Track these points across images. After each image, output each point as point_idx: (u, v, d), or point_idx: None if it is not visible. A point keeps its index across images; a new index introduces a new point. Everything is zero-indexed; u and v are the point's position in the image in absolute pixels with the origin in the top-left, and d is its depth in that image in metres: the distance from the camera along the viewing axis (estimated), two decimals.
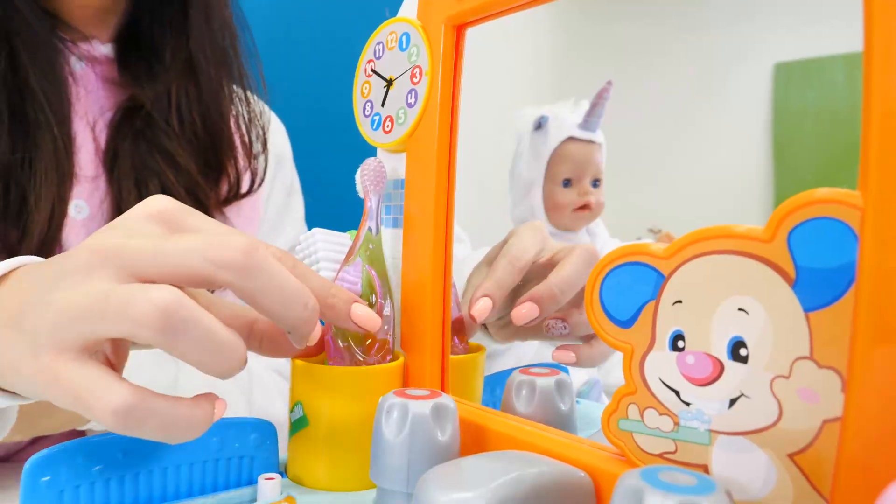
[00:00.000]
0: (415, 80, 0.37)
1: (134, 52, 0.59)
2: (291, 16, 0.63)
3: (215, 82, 0.60)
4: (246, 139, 0.63)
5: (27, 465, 0.27)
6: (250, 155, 0.63)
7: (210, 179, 0.59)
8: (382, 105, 0.40)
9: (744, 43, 2.05)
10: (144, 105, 0.56)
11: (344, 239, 0.41)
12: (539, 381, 0.37)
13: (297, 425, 0.35)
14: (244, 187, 0.62)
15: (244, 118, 0.63)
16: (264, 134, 0.64)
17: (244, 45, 0.63)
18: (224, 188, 0.60)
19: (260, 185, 0.63)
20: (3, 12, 0.50)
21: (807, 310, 0.21)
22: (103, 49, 0.57)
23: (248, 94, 0.64)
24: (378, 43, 0.40)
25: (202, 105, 0.59)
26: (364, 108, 0.41)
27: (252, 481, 0.34)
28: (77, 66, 0.56)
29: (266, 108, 0.67)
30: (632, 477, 0.21)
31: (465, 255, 0.79)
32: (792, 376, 0.22)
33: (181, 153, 0.56)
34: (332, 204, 0.74)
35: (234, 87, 0.63)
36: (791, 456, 0.22)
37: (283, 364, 0.65)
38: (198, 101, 0.58)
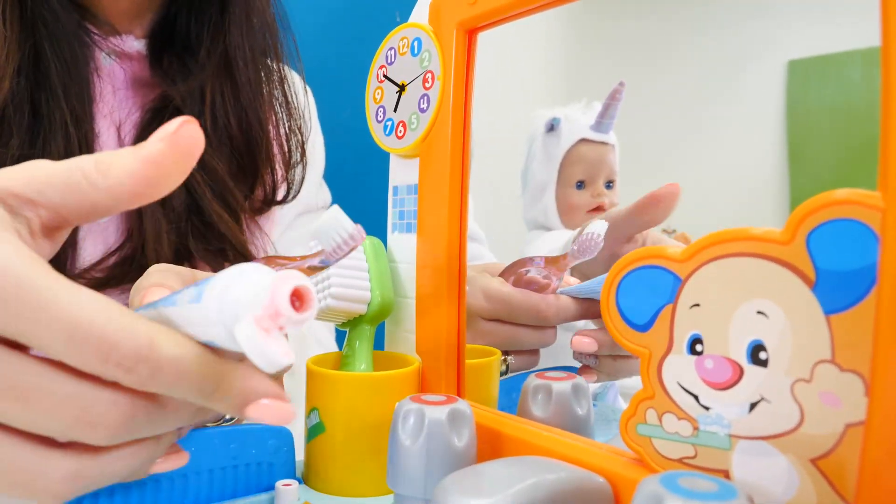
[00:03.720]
0: (427, 85, 0.37)
1: (168, 49, 0.57)
2: (302, 22, 0.63)
3: (254, 85, 0.57)
4: (285, 148, 0.60)
5: None
6: (288, 164, 0.60)
7: (243, 185, 0.56)
8: (395, 110, 0.40)
9: (756, 40, 2.04)
10: (175, 101, 0.54)
11: None
12: (555, 385, 0.37)
13: (314, 431, 0.35)
14: (279, 196, 0.59)
15: (284, 125, 0.60)
16: (303, 143, 0.61)
17: (287, 49, 0.61)
18: (259, 197, 0.58)
19: (295, 196, 0.61)
20: (33, 2, 0.48)
21: (827, 312, 0.21)
22: (136, 44, 0.56)
23: (291, 100, 0.61)
24: (390, 48, 0.40)
25: (239, 107, 0.56)
26: (376, 114, 0.41)
27: (270, 487, 0.34)
28: (105, 61, 0.54)
29: (310, 115, 0.64)
30: (651, 483, 0.21)
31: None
32: (813, 380, 0.21)
33: (210, 153, 0.54)
34: (343, 208, 0.74)
35: (276, 92, 0.60)
36: (813, 461, 0.22)
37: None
38: (234, 103, 0.56)
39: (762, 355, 0.23)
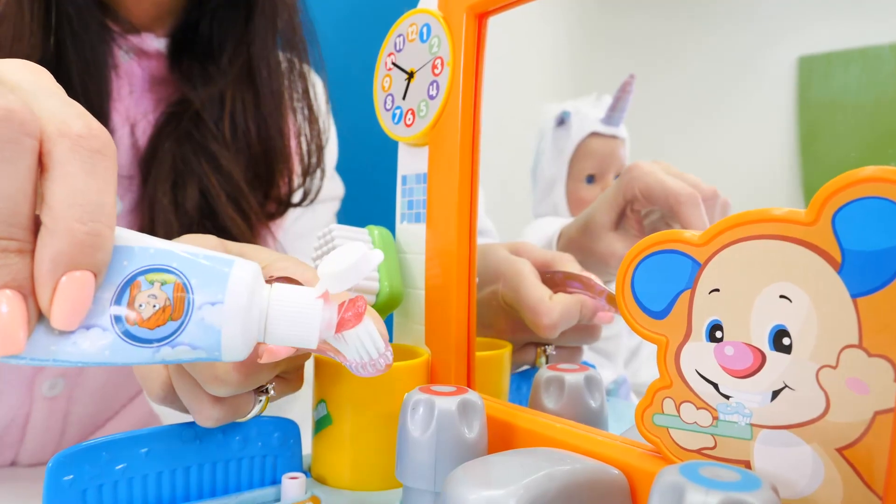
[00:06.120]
0: (436, 71, 0.37)
1: (188, 51, 0.57)
2: (312, 11, 0.62)
3: (276, 95, 0.57)
4: (305, 160, 0.60)
5: (50, 464, 0.27)
6: (307, 174, 0.60)
7: (258, 191, 0.56)
8: (403, 98, 0.39)
9: (767, 36, 2.02)
10: (194, 105, 0.54)
11: (362, 234, 0.40)
12: (568, 377, 0.36)
13: (321, 424, 0.34)
14: (294, 200, 0.59)
15: (306, 136, 0.60)
16: (321, 150, 0.61)
17: (313, 59, 0.61)
18: (273, 203, 0.58)
19: (312, 201, 0.60)
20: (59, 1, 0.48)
21: (854, 295, 0.20)
22: (155, 43, 0.55)
23: (314, 110, 0.61)
24: (398, 35, 0.40)
25: (259, 116, 0.56)
26: (385, 102, 0.40)
27: (276, 481, 0.34)
28: (123, 59, 0.54)
29: (329, 124, 0.64)
30: (671, 473, 0.20)
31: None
32: (840, 366, 0.21)
33: (227, 157, 0.54)
34: (349, 200, 0.74)
35: (298, 104, 0.60)
36: (840, 450, 0.21)
37: None
38: (255, 111, 0.56)
39: (785, 341, 0.22)
